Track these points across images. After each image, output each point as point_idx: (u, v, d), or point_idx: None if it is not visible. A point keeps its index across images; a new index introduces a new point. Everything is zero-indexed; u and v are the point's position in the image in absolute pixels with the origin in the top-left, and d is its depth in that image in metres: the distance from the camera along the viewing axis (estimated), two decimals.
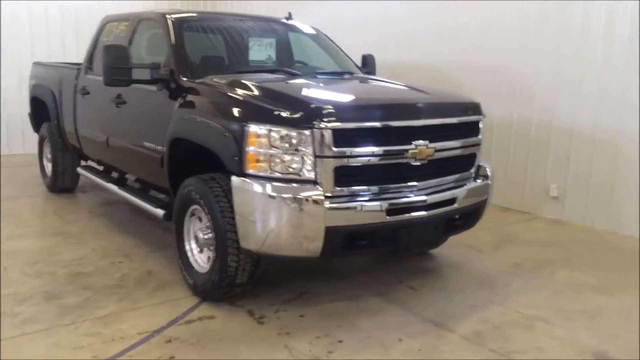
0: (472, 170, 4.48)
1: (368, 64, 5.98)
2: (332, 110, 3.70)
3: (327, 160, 3.66)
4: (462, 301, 4.36)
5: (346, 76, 5.15)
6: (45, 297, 4.26)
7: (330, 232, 3.66)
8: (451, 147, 4.20)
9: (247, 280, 4.05)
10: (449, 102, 4.41)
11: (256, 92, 3.99)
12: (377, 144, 3.79)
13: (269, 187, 3.63)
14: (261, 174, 3.68)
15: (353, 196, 3.78)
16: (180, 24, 4.98)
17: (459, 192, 4.24)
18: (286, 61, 5.47)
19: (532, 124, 6.91)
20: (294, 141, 3.63)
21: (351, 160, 3.72)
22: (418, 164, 3.95)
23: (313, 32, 5.92)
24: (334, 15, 9.12)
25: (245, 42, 5.28)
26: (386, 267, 5.05)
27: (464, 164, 4.40)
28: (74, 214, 6.53)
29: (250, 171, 3.71)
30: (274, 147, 3.65)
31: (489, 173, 4.55)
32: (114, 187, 5.78)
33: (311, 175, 3.67)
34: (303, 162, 3.65)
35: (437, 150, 4.05)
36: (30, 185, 7.85)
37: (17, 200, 7.08)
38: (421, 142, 3.93)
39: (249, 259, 3.92)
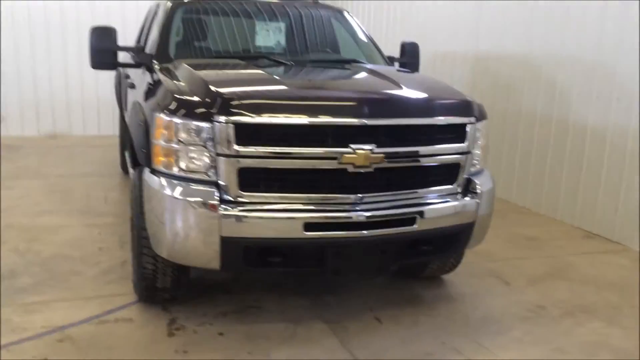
0: (455, 185, 3.59)
1: (407, 53, 5.17)
2: (237, 102, 3.15)
3: (229, 160, 3.12)
4: (422, 346, 3.54)
5: (345, 66, 4.44)
6: (5, 275, 4.29)
7: (227, 244, 3.14)
8: (414, 154, 3.39)
9: (171, 285, 3.67)
10: (418, 99, 3.55)
11: (185, 79, 3.56)
12: (296, 144, 3.16)
13: (164, 186, 3.22)
14: (166, 170, 3.26)
15: (264, 204, 3.19)
16: (175, 7, 4.70)
17: (423, 211, 3.41)
18: (296, 47, 4.91)
19: (629, 133, 5.52)
20: (193, 135, 3.16)
21: (260, 162, 3.14)
22: (358, 171, 3.22)
23: (339, 16, 5.26)
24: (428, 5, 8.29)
25: (250, 27, 4.83)
26: (377, 287, 4.32)
27: (440, 176, 3.53)
28: (124, 195, 6.64)
29: (157, 166, 3.30)
30: (178, 140, 3.19)
31: (479, 189, 3.61)
32: None
33: (211, 176, 3.17)
34: (202, 160, 3.16)
35: (388, 157, 3.27)
36: (113, 165, 8.19)
37: (82, 178, 7.44)
38: (363, 146, 3.20)
39: (169, 263, 3.52)
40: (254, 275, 4.34)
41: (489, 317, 3.97)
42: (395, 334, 3.67)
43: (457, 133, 3.53)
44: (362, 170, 3.23)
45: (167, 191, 3.19)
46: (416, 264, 4.23)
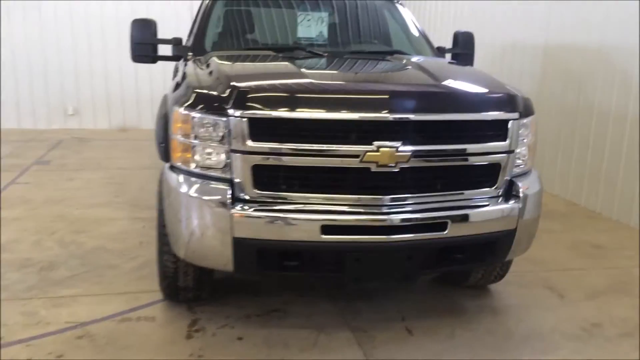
0: (495, 187, 3.26)
1: (460, 44, 4.83)
2: (252, 96, 2.97)
3: (243, 156, 2.96)
4: None
5: (385, 57, 4.16)
6: (44, 266, 4.35)
7: (240, 245, 2.98)
8: (445, 153, 3.09)
9: (193, 285, 3.57)
10: (453, 93, 3.24)
11: (210, 72, 3.42)
12: (315, 140, 2.94)
13: (180, 182, 3.10)
14: (183, 167, 3.14)
15: (279, 203, 3.01)
16: None
17: (456, 216, 3.12)
18: (338, 38, 4.69)
19: None
20: (209, 130, 3.02)
21: (275, 159, 2.95)
22: (382, 171, 2.98)
23: (387, 5, 4.98)
24: None
25: (292, 18, 4.66)
26: (415, 294, 4.06)
27: (476, 177, 3.22)
28: None
29: (175, 162, 3.19)
30: (195, 135, 3.07)
31: (521, 193, 3.27)
32: None
33: (225, 173, 3.02)
34: (218, 156, 3.02)
35: (416, 156, 3.00)
36: None
37: (141, 171, 7.55)
38: (387, 142, 2.95)
39: (189, 262, 3.40)
40: (280, 278, 4.15)
41: (534, 333, 3.61)
42: (426, 346, 3.40)
43: (497, 130, 3.20)
44: (386, 170, 2.98)
45: (182, 188, 3.07)
46: (458, 272, 3.92)
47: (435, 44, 4.81)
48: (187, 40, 4.52)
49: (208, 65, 3.55)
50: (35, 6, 10.31)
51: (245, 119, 2.91)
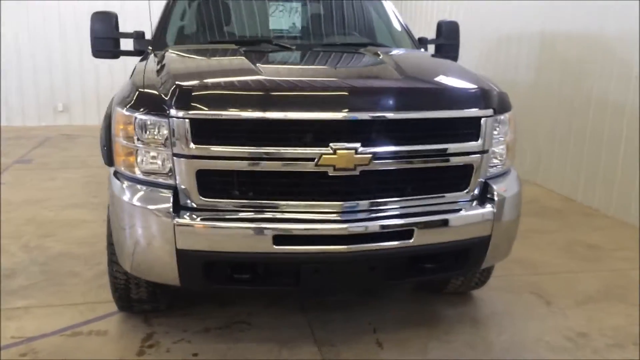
0: (467, 190, 2.98)
1: (444, 34, 4.52)
2: (194, 95, 2.72)
3: (186, 160, 2.70)
4: None
5: (357, 50, 3.85)
6: (4, 274, 4.14)
7: (185, 258, 2.74)
8: (410, 154, 2.82)
9: (147, 296, 3.33)
10: (418, 89, 2.97)
11: (159, 68, 3.16)
12: (263, 142, 2.68)
13: (121, 189, 2.86)
14: (126, 172, 2.89)
15: (227, 212, 2.75)
16: None
17: (422, 222, 2.85)
18: (310, 30, 4.41)
19: None
20: (152, 132, 2.76)
21: (221, 163, 2.69)
22: (341, 175, 2.71)
23: None
24: None
25: (263, 8, 4.38)
26: (392, 302, 3.79)
27: (445, 180, 2.95)
28: None
29: (118, 167, 2.95)
30: (137, 138, 2.81)
31: (497, 196, 2.99)
32: None
33: (169, 180, 2.77)
34: (159, 160, 2.77)
35: (377, 158, 2.73)
36: None
37: None
38: (345, 144, 2.68)
39: None
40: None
41: (516, 344, 3.34)
42: None
43: (468, 128, 2.92)
44: (345, 174, 2.71)
45: (124, 195, 2.83)
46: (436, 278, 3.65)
47: (430, 37, 4.50)
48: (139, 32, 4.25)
49: (159, 62, 3.28)
50: (23, 5, 10.09)
51: (187, 120, 2.65)
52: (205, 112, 2.66)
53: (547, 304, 3.84)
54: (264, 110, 2.65)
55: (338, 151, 2.67)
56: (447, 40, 4.52)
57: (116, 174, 2.95)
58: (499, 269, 4.20)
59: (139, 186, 2.81)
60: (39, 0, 10.09)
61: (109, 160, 3.01)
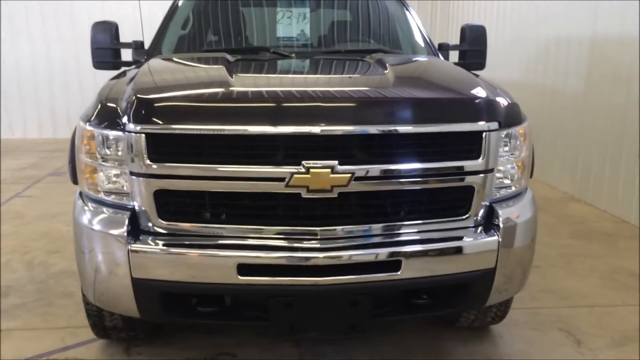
0: (467, 216, 2.58)
1: (468, 39, 4.11)
2: (153, 107, 2.46)
3: (143, 179, 2.44)
4: None
5: (364, 58, 3.50)
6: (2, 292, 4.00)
7: (141, 288, 2.47)
8: (397, 174, 2.45)
9: (123, 325, 3.07)
10: (408, 100, 2.59)
11: (130, 79, 2.91)
12: (228, 160, 2.39)
13: (79, 210, 2.64)
14: (87, 191, 2.66)
15: (188, 237, 2.47)
16: None
17: (410, 252, 2.47)
18: (319, 36, 4.10)
19: None
20: (113, 149, 2.52)
21: (180, 183, 2.42)
22: (316, 197, 2.38)
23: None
24: None
25: (269, 15, 4.12)
26: (397, 335, 3.40)
27: (441, 204, 2.56)
28: None
29: (81, 185, 2.72)
30: (96, 154, 2.58)
31: (502, 223, 2.57)
32: None
33: (127, 201, 2.51)
34: (120, 179, 2.52)
35: (358, 178, 2.39)
36: None
37: None
38: (319, 162, 2.35)
39: None
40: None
41: None
42: None
43: (467, 145, 2.52)
44: (320, 196, 2.38)
45: (81, 217, 2.59)
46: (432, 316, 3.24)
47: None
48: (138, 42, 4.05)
49: (137, 72, 3.05)
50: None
51: (143, 135, 2.39)
52: (161, 127, 2.39)
53: (577, 344, 3.36)
54: (225, 124, 2.36)
55: (312, 170, 2.34)
56: (472, 46, 4.10)
57: (80, 194, 2.72)
58: (527, 300, 3.79)
59: (96, 207, 2.58)
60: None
61: (74, 178, 2.78)
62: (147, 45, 3.96)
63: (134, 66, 3.39)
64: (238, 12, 4.04)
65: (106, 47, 3.91)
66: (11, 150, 9.29)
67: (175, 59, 3.46)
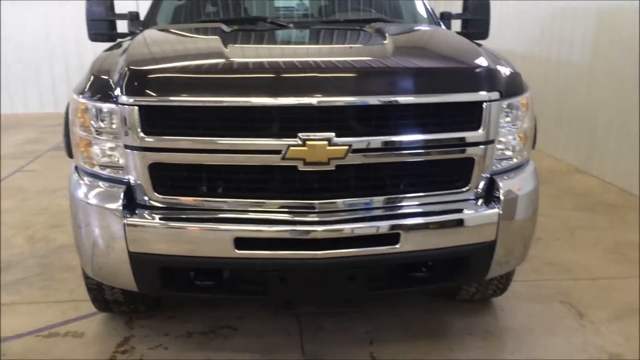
0: (467, 188, 2.54)
1: (470, 8, 4.01)
2: (146, 78, 2.41)
3: (137, 152, 2.41)
4: None
5: (363, 27, 3.41)
6: (2, 267, 4.01)
7: (138, 262, 2.45)
8: (395, 145, 2.41)
9: (123, 298, 3.07)
10: (406, 69, 2.53)
11: (123, 51, 2.86)
12: (222, 132, 2.35)
13: (74, 184, 2.61)
14: (82, 165, 2.64)
15: (184, 211, 2.44)
16: None
17: (410, 225, 2.44)
18: (319, 6, 4.02)
19: None
20: (107, 121, 2.49)
21: (174, 156, 2.38)
22: (313, 170, 2.35)
23: None
24: None
25: None
26: (399, 308, 3.39)
27: (440, 176, 2.52)
28: None
29: (76, 159, 2.69)
30: (91, 127, 2.54)
31: (503, 195, 2.53)
32: None
33: (122, 174, 2.48)
34: (115, 152, 2.49)
35: (356, 150, 2.35)
36: None
37: None
38: (316, 134, 2.31)
39: None
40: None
41: None
42: None
43: (467, 115, 2.47)
44: (317, 169, 2.34)
45: (77, 191, 2.57)
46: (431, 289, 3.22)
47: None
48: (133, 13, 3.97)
49: (131, 44, 2.99)
50: None
51: (136, 107, 2.34)
52: (154, 98, 2.35)
53: (579, 317, 3.34)
54: (218, 95, 2.31)
55: (308, 142, 2.30)
56: (475, 15, 4.01)
57: (76, 168, 2.69)
58: (529, 273, 3.77)
59: (92, 181, 2.56)
60: None
61: (69, 151, 2.75)
62: (142, 17, 3.89)
63: (128, 37, 3.32)
64: None
65: (101, 18, 3.85)
66: (13, 125, 9.26)
67: (169, 30, 3.39)
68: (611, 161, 5.88)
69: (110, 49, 3.05)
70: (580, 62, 6.39)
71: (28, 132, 8.73)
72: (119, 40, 3.53)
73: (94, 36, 3.92)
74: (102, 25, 3.86)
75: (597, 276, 3.85)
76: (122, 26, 3.87)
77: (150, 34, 3.24)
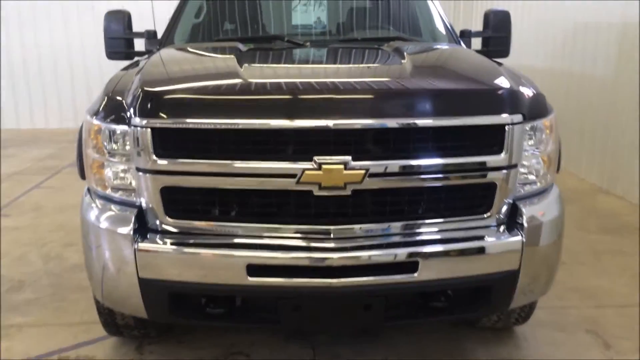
0: (489, 214, 2.45)
1: (492, 25, 3.93)
2: (160, 100, 2.35)
3: (149, 176, 2.35)
4: None
5: (382, 46, 3.34)
6: (12, 286, 4.00)
7: (148, 288, 2.38)
8: (414, 170, 2.32)
9: (134, 323, 3.01)
10: (425, 91, 2.45)
11: (138, 71, 2.81)
12: (236, 155, 2.28)
13: (86, 206, 2.56)
14: (95, 187, 2.59)
15: (196, 236, 2.37)
16: None
17: (428, 253, 2.35)
18: (336, 24, 3.97)
19: None
20: (119, 143, 2.44)
21: (187, 179, 2.32)
22: (329, 195, 2.27)
23: None
24: None
25: (287, 2, 3.99)
26: (418, 334, 3.26)
27: (460, 201, 2.43)
28: None
29: (88, 181, 2.64)
30: (103, 149, 2.50)
31: (527, 222, 2.43)
32: None
33: (134, 197, 2.42)
34: (123, 176, 2.43)
35: (373, 175, 2.26)
36: None
37: None
38: (331, 158, 2.23)
39: None
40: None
41: None
42: None
43: (489, 138, 2.38)
44: (333, 194, 2.26)
45: (88, 214, 2.52)
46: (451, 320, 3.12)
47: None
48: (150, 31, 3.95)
49: (146, 63, 2.95)
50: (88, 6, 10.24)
51: (149, 130, 2.29)
52: (167, 120, 2.29)
53: (605, 347, 3.21)
54: (233, 117, 2.26)
55: (323, 166, 2.23)
56: (495, 32, 3.93)
57: (88, 190, 2.65)
58: (553, 299, 3.64)
59: (104, 204, 2.50)
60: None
61: (82, 173, 2.71)
62: (160, 35, 3.86)
63: (145, 56, 3.29)
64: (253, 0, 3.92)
65: (119, 36, 3.83)
66: (33, 140, 9.32)
67: (185, 49, 3.35)
68: (637, 181, 5.71)
69: (126, 68, 3.02)
70: (604, 77, 6.25)
71: (47, 147, 8.78)
72: (136, 58, 3.51)
73: (111, 54, 3.91)
74: (119, 44, 3.84)
75: (624, 304, 3.71)
76: (139, 44, 3.86)
77: (166, 53, 3.20)
